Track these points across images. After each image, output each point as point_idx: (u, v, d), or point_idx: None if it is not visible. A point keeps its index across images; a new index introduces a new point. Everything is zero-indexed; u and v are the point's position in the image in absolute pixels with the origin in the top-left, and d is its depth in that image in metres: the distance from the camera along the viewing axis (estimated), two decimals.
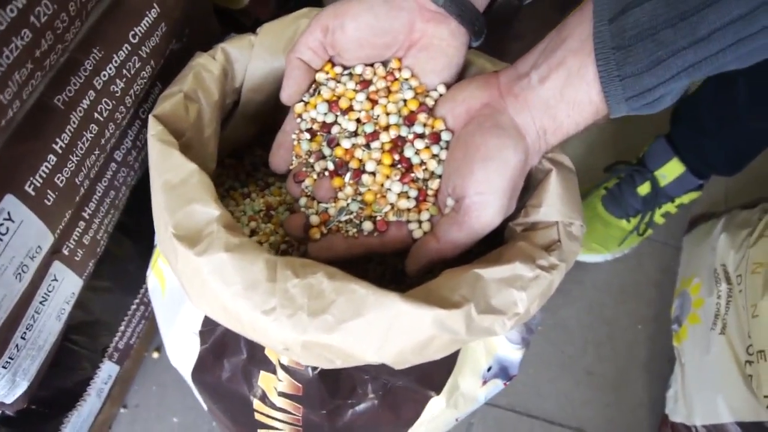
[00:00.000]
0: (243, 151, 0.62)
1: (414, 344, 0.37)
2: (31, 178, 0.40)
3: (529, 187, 0.46)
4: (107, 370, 0.64)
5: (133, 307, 0.65)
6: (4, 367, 0.45)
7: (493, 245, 0.44)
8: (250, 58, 0.51)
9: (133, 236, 0.62)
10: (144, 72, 0.49)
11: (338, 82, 0.47)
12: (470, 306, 0.37)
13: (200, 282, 0.38)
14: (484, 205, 0.41)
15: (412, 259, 0.44)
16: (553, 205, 0.44)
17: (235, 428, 0.57)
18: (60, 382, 0.58)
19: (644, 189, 0.88)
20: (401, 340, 0.37)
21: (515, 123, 0.41)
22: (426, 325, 0.36)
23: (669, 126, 0.88)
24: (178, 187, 0.40)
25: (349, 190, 0.45)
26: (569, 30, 0.39)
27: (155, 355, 0.79)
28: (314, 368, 0.45)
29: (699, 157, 0.85)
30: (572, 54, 0.39)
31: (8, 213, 0.39)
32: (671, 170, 0.86)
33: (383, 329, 0.36)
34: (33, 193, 0.40)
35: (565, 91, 0.39)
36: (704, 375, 0.77)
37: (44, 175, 0.41)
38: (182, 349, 0.52)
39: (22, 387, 0.49)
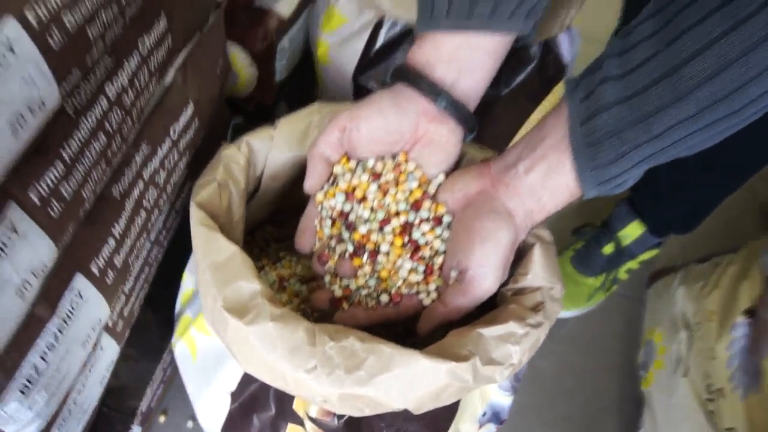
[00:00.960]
0: (255, 228, 0.69)
1: (432, 392, 0.44)
2: (95, 259, 0.47)
3: (517, 257, 0.54)
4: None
5: (157, 372, 0.71)
6: (58, 429, 0.51)
7: (487, 307, 0.52)
8: (269, 149, 0.59)
9: (155, 307, 0.68)
10: (181, 163, 0.57)
11: (353, 174, 0.55)
12: (476, 359, 0.45)
13: (249, 348, 0.45)
14: (484, 276, 0.49)
15: (423, 322, 0.51)
16: (537, 273, 0.52)
17: None
18: None
19: (609, 249, 0.98)
20: (422, 389, 0.44)
21: (506, 207, 0.50)
22: (442, 375, 0.44)
23: (630, 192, 0.98)
24: (224, 267, 0.47)
25: (367, 268, 0.53)
26: (548, 130, 0.48)
27: (162, 419, 0.84)
28: (340, 418, 0.52)
29: (657, 219, 0.94)
30: (552, 149, 0.47)
31: (78, 291, 0.45)
32: (632, 231, 0.96)
33: (407, 381, 0.43)
34: (97, 273, 0.47)
35: (547, 180, 0.48)
36: (671, 414, 0.85)
37: (105, 257, 0.48)
38: (213, 409, 0.58)
39: None
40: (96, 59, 0.39)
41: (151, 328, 0.68)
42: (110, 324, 0.54)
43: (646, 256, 0.99)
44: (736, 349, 0.77)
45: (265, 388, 0.54)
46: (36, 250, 0.38)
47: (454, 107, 0.53)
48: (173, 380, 0.84)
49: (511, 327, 0.48)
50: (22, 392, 0.41)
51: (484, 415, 0.59)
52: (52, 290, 0.43)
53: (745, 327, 0.77)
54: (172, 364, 0.78)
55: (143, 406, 0.69)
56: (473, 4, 0.50)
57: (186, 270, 0.64)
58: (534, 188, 0.49)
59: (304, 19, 0.85)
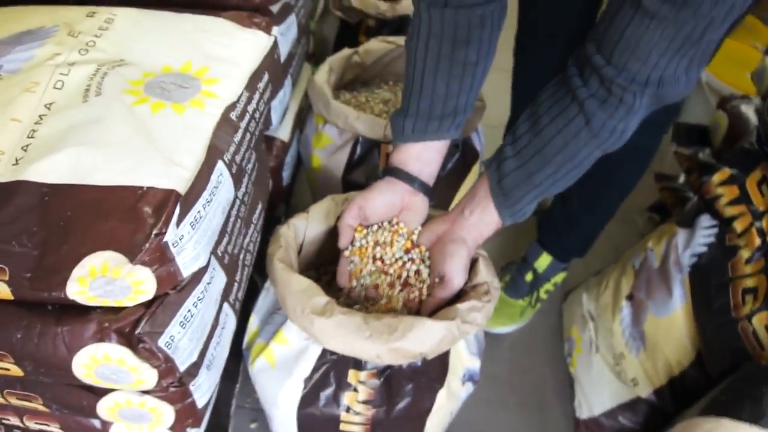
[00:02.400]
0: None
1: (436, 341, 0.77)
2: (231, 294, 0.79)
3: (470, 267, 0.89)
4: None
5: (236, 389, 1.00)
6: (207, 410, 0.80)
7: (457, 297, 0.86)
8: (306, 226, 0.93)
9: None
10: (258, 239, 0.90)
11: (365, 239, 0.89)
12: (458, 320, 0.78)
13: (329, 332, 0.77)
14: (456, 276, 0.83)
15: (423, 309, 0.85)
16: (483, 274, 0.87)
17: None
18: None
19: (529, 276, 1.34)
20: (431, 339, 0.77)
21: (461, 236, 0.85)
22: (441, 330, 0.77)
23: (537, 232, 1.35)
24: (305, 291, 0.80)
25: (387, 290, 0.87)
26: (478, 190, 0.83)
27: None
28: (380, 376, 0.83)
29: (559, 249, 1.32)
30: (482, 200, 0.83)
31: (226, 312, 0.77)
32: (543, 261, 1.33)
33: (422, 334, 0.76)
34: (232, 302, 0.79)
35: (482, 217, 0.83)
36: (593, 383, 1.18)
37: (235, 293, 0.80)
38: (289, 397, 0.88)
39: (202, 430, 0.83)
40: (241, 177, 0.73)
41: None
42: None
43: (558, 278, 1.36)
44: (625, 324, 1.13)
45: (326, 372, 0.85)
46: (221, 281, 0.71)
47: (423, 186, 0.89)
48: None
49: (473, 303, 0.82)
50: (207, 368, 0.72)
51: (464, 375, 0.92)
52: (218, 312, 0.74)
53: (628, 307, 1.13)
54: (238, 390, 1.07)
55: (232, 413, 0.98)
56: (426, 125, 0.86)
57: (252, 314, 0.95)
58: (475, 223, 0.84)
59: (295, 141, 1.21)
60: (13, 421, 0.79)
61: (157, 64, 0.74)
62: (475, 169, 1.17)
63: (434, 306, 0.84)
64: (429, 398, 0.87)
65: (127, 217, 0.58)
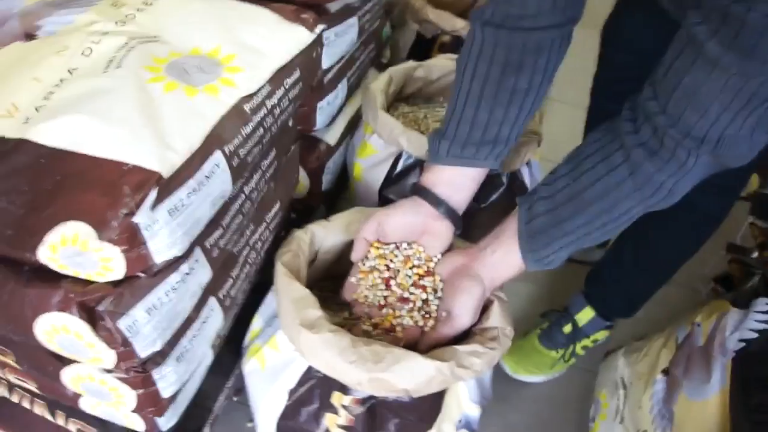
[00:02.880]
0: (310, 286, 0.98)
1: (424, 380, 0.72)
2: (221, 290, 0.77)
3: (483, 309, 0.83)
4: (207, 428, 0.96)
5: (225, 386, 0.98)
6: (174, 403, 0.77)
7: (462, 339, 0.80)
8: (325, 234, 0.90)
9: (228, 339, 0.95)
10: (270, 238, 0.87)
11: (378, 258, 0.85)
12: (453, 362, 0.73)
13: (314, 348, 0.73)
14: (463, 316, 0.78)
15: (422, 342, 0.79)
16: (495, 318, 0.81)
17: None
18: (184, 427, 0.89)
19: (567, 328, 1.25)
20: (418, 377, 0.71)
21: (478, 274, 0.79)
22: (431, 369, 0.71)
23: (584, 285, 1.27)
24: (299, 301, 0.76)
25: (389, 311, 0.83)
26: (505, 227, 0.78)
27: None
28: (363, 404, 0.79)
29: (603, 305, 1.23)
30: (508, 239, 0.77)
31: (211, 308, 0.75)
32: (585, 315, 1.24)
33: (410, 370, 0.71)
34: (221, 298, 0.77)
35: (504, 258, 0.77)
36: None
37: (226, 290, 0.77)
38: (273, 405, 0.84)
39: (173, 421, 0.80)
40: (246, 172, 0.71)
41: (226, 353, 0.95)
42: (215, 339, 0.83)
43: (598, 335, 1.26)
44: (656, 400, 1.03)
45: (312, 388, 0.81)
46: (204, 274, 0.68)
47: (449, 212, 0.83)
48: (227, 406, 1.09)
49: (476, 347, 0.76)
50: (177, 360, 0.69)
51: (460, 421, 0.86)
52: (200, 303, 0.72)
53: (663, 382, 1.03)
54: (234, 386, 1.04)
55: (215, 409, 0.95)
56: (462, 150, 0.81)
57: (257, 314, 0.92)
58: (496, 263, 0.78)
59: (344, 146, 1.18)
60: None
61: (188, 46, 0.72)
62: None
63: (434, 341, 0.79)
64: None
65: (106, 192, 0.56)
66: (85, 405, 0.76)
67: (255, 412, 0.90)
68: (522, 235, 0.75)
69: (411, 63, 1.16)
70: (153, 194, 0.56)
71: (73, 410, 0.80)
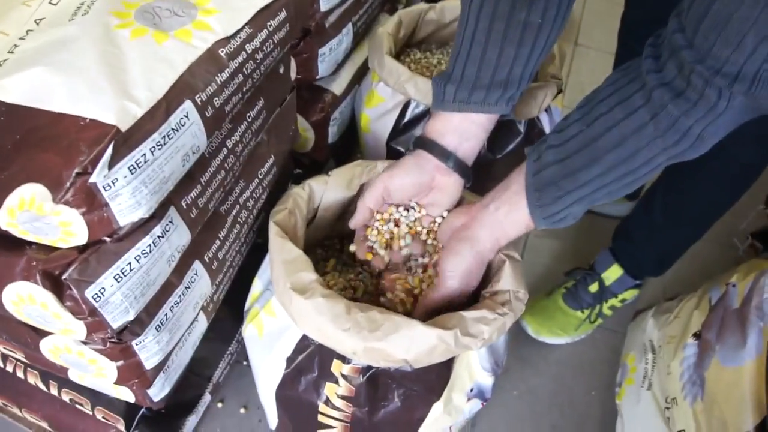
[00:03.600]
0: (308, 249, 0.93)
1: (425, 349, 0.66)
2: (207, 253, 0.71)
3: (494, 270, 0.77)
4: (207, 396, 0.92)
5: (227, 352, 0.94)
6: (163, 372, 0.73)
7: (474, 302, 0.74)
8: (324, 190, 0.83)
9: (229, 304, 0.90)
10: (263, 196, 0.81)
11: (382, 226, 0.80)
12: (457, 330, 0.66)
13: (306, 314, 0.67)
14: (451, 278, 0.71)
15: (417, 309, 0.74)
16: (506, 280, 0.74)
17: None
18: (180, 397, 0.85)
19: (594, 287, 1.18)
20: (418, 347, 0.66)
21: (477, 234, 0.72)
22: (432, 338, 0.65)
23: (611, 240, 1.19)
24: (291, 263, 0.71)
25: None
26: (511, 181, 0.71)
27: (219, 405, 1.06)
28: (364, 374, 0.74)
29: (632, 262, 1.15)
30: (514, 195, 0.70)
31: (196, 271, 0.70)
32: (613, 273, 1.17)
33: (409, 340, 0.65)
34: (207, 261, 0.71)
35: (509, 215, 0.71)
36: (637, 421, 1.03)
37: (212, 252, 0.72)
38: (271, 373, 0.80)
39: (166, 391, 0.77)
40: (225, 124, 0.64)
41: (225, 318, 0.91)
42: (205, 305, 0.78)
43: (627, 295, 1.19)
44: (687, 365, 0.96)
45: (311, 355, 0.76)
46: (181, 237, 0.63)
47: (458, 165, 0.76)
48: (233, 370, 1.06)
49: (484, 313, 0.69)
50: (157, 329, 0.65)
51: (471, 390, 0.80)
52: (181, 267, 0.67)
53: (694, 346, 0.96)
54: (237, 351, 1.00)
55: (215, 377, 0.92)
56: (470, 94, 0.74)
57: (256, 277, 0.87)
58: (500, 221, 0.71)
59: (351, 96, 1.11)
60: None
61: None
62: None
63: (426, 307, 0.73)
64: (421, 409, 0.76)
65: (62, 150, 0.51)
66: (74, 376, 0.73)
67: (255, 380, 0.86)
68: (529, 189, 0.68)
69: (422, 5, 1.08)
70: (109, 150, 0.50)
71: (65, 381, 0.77)
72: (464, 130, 0.76)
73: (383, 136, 1.00)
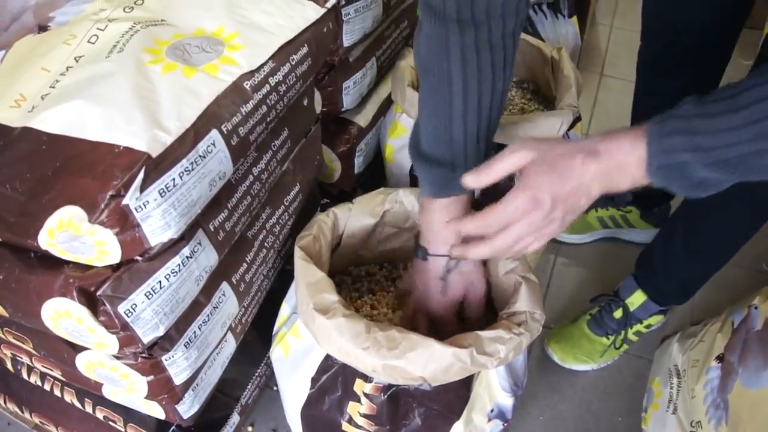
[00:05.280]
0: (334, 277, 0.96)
1: (442, 367, 0.68)
2: (234, 275, 0.75)
3: (510, 292, 0.79)
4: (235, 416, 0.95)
5: (255, 374, 0.97)
6: (192, 390, 0.77)
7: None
8: (348, 217, 0.87)
9: (258, 327, 0.93)
10: (289, 222, 0.85)
11: None
12: (473, 349, 0.68)
13: (328, 334, 0.70)
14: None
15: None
16: (522, 301, 0.76)
17: None
18: (209, 416, 0.88)
19: (618, 313, 1.18)
20: (435, 364, 0.68)
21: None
22: (448, 356, 0.68)
23: (635, 268, 1.19)
24: (314, 284, 0.74)
25: None
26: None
27: (249, 429, 1.08)
28: (385, 392, 0.76)
29: (655, 290, 1.15)
30: (625, 137, 0.57)
31: (223, 292, 0.73)
32: (637, 299, 1.17)
33: (426, 357, 0.67)
34: (235, 283, 0.75)
35: (615, 156, 0.58)
36: None
37: (240, 275, 0.76)
38: (296, 393, 0.82)
39: (195, 409, 0.80)
40: (250, 152, 0.68)
41: (254, 342, 0.94)
42: (233, 325, 0.81)
43: (651, 321, 1.19)
44: (710, 388, 0.96)
45: (335, 375, 0.79)
46: (208, 258, 0.66)
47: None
48: (263, 394, 1.09)
49: (500, 333, 0.71)
50: (186, 346, 0.68)
51: (492, 411, 0.81)
52: (209, 287, 0.70)
53: (717, 369, 0.96)
54: (266, 374, 1.03)
55: (243, 398, 0.94)
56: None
57: (284, 301, 0.91)
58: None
59: (377, 128, 1.15)
60: (26, 360, 0.80)
61: (193, 27, 0.71)
62: None
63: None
64: (441, 428, 0.78)
65: (99, 175, 0.55)
66: (108, 392, 0.76)
67: (282, 401, 0.88)
68: (651, 126, 0.57)
69: None
70: (141, 175, 0.54)
71: (100, 398, 0.81)
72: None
73: (406, 166, 1.03)
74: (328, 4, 0.76)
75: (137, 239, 0.57)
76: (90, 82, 0.63)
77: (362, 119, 1.09)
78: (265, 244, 0.80)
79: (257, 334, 0.95)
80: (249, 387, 0.96)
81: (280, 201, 0.82)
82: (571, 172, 0.59)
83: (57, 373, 0.78)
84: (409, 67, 1.03)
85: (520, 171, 0.63)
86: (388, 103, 1.16)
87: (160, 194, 0.56)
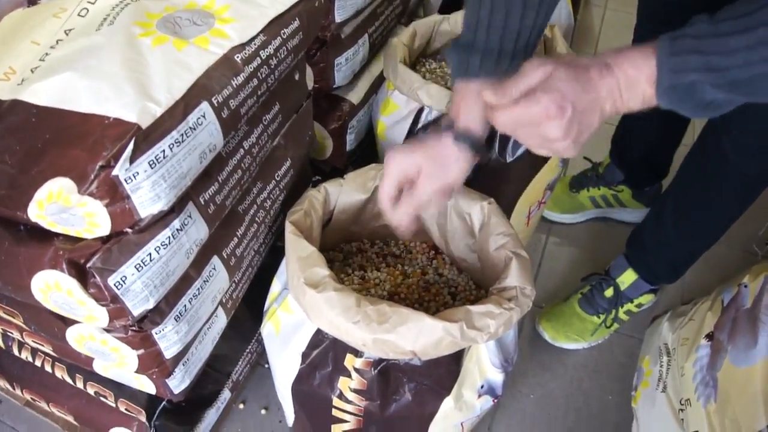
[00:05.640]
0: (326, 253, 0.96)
1: (432, 342, 0.68)
2: (225, 249, 0.75)
3: (501, 268, 0.79)
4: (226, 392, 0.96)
5: (246, 350, 0.97)
6: (183, 364, 0.77)
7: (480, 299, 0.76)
8: (339, 193, 0.87)
9: (249, 304, 0.93)
10: (280, 197, 0.85)
11: None
12: (463, 323, 0.69)
13: (318, 308, 0.70)
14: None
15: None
16: (513, 277, 0.76)
17: (313, 427, 0.87)
18: (200, 391, 0.89)
19: (609, 292, 1.19)
20: (425, 338, 0.68)
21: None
22: (438, 330, 0.68)
23: (625, 247, 1.20)
24: (305, 259, 0.74)
25: None
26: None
27: (240, 406, 1.09)
28: (375, 367, 0.76)
29: (645, 269, 1.16)
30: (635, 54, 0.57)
31: (214, 266, 0.73)
32: (627, 278, 1.17)
33: (416, 332, 0.68)
34: (225, 257, 0.75)
35: (625, 71, 0.57)
36: (652, 424, 1.03)
37: (230, 249, 0.76)
38: (287, 368, 0.83)
39: (186, 384, 0.80)
40: (241, 125, 0.68)
41: (245, 318, 0.94)
42: (224, 300, 0.81)
43: (642, 300, 1.20)
44: (699, 366, 0.97)
45: (325, 350, 0.79)
46: (199, 231, 0.66)
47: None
48: (254, 372, 1.09)
49: (490, 308, 0.72)
50: (176, 319, 0.68)
51: (482, 386, 0.82)
52: (199, 261, 0.70)
53: (707, 347, 0.97)
54: (257, 351, 1.04)
55: (234, 374, 0.95)
56: (496, 65, 0.70)
57: (275, 277, 0.91)
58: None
59: (369, 105, 1.14)
60: (16, 335, 0.80)
61: (184, 0, 0.70)
62: (553, 163, 1.04)
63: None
64: (432, 403, 0.79)
65: (89, 146, 0.55)
66: (98, 367, 0.76)
67: (273, 377, 0.89)
68: (662, 44, 0.56)
69: (436, 16, 1.11)
70: (130, 146, 0.54)
71: (90, 373, 0.81)
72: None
73: (399, 142, 1.03)
74: None
75: (127, 211, 0.56)
76: (80, 54, 0.63)
77: (354, 96, 1.09)
78: (256, 218, 0.80)
79: (248, 311, 0.95)
80: (240, 363, 0.96)
81: (271, 176, 0.82)
82: (590, 84, 0.58)
83: (48, 348, 0.78)
84: (401, 45, 1.02)
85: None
86: (380, 81, 1.15)
87: (150, 165, 0.56)
